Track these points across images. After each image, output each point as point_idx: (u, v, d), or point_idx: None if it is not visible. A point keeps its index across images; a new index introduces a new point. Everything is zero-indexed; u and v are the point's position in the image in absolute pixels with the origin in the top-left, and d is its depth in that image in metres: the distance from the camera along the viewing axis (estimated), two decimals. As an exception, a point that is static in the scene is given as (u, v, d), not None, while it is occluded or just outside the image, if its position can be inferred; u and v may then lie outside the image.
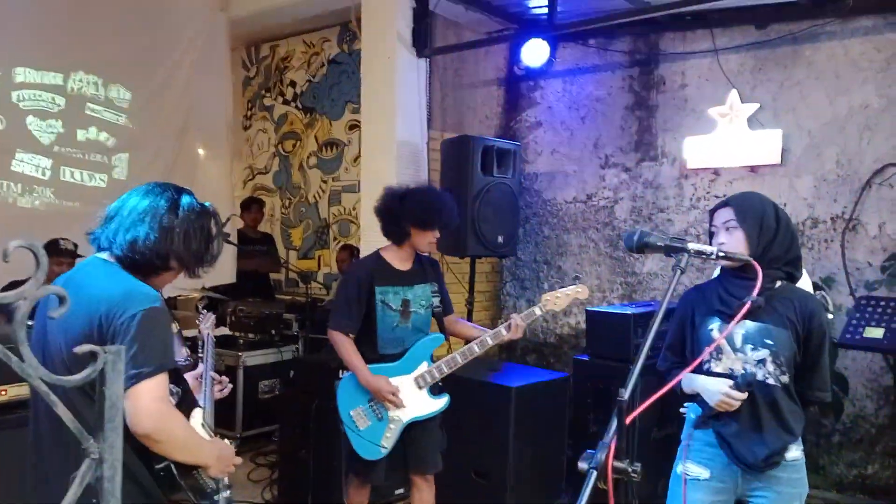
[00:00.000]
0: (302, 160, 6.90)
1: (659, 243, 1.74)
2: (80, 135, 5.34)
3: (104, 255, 1.85)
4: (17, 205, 5.03)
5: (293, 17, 6.21)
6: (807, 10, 4.32)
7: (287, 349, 5.29)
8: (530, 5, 5.19)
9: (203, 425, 2.02)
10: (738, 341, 2.21)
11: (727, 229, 2.20)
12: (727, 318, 2.16)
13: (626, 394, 1.25)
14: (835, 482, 4.33)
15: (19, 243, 0.59)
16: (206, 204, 1.95)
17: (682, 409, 2.61)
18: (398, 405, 3.08)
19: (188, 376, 2.25)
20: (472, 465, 3.94)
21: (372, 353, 3.13)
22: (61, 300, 0.63)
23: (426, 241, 3.17)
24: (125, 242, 1.78)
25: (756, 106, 4.55)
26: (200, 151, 6.17)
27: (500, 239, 4.65)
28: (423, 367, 3.17)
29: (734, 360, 2.22)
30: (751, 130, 4.57)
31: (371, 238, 5.09)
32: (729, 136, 4.64)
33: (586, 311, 4.36)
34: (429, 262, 3.37)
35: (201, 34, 5.93)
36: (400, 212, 3.12)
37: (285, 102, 7.04)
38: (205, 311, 2.88)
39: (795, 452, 2.24)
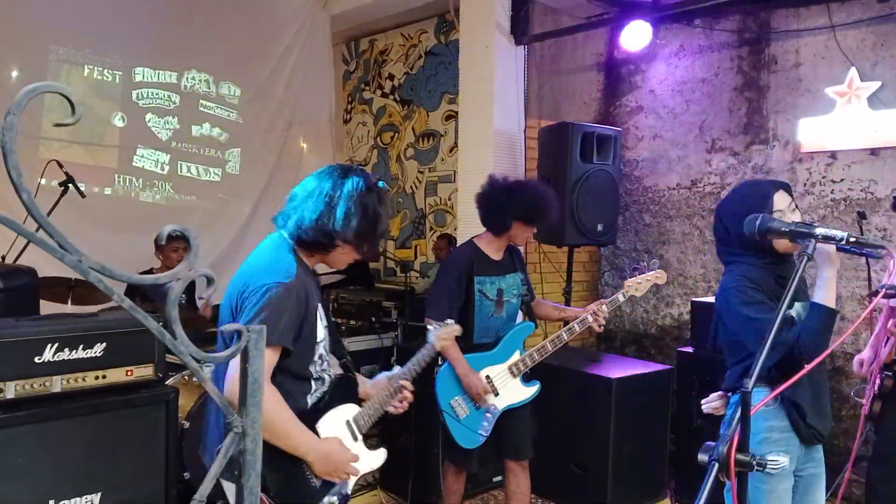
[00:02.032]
0: (399, 151, 7.01)
1: (783, 228, 1.66)
2: (195, 130, 5.63)
3: (283, 233, 1.99)
4: (138, 199, 5.37)
5: (392, 10, 6.31)
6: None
7: (387, 336, 5.41)
8: (631, -13, 5.05)
9: (349, 422, 2.05)
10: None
11: (794, 211, 2.19)
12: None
13: (750, 384, 1.20)
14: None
15: (174, 227, 0.63)
16: (380, 183, 2.00)
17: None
18: (482, 404, 3.11)
19: (382, 376, 2.34)
20: (571, 455, 3.91)
21: (466, 343, 3.15)
22: (209, 281, 0.67)
23: (525, 236, 3.20)
24: (293, 223, 1.91)
25: (877, 84, 4.26)
26: (304, 145, 6.38)
27: (599, 227, 4.57)
28: (516, 355, 3.21)
29: None
30: (872, 110, 4.28)
31: (467, 228, 5.13)
32: (847, 116, 4.37)
33: (691, 302, 4.22)
34: (516, 252, 3.39)
35: (304, 31, 6.13)
36: (506, 205, 3.11)
37: (384, 95, 7.17)
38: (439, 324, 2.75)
39: None
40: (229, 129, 5.77)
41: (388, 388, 2.27)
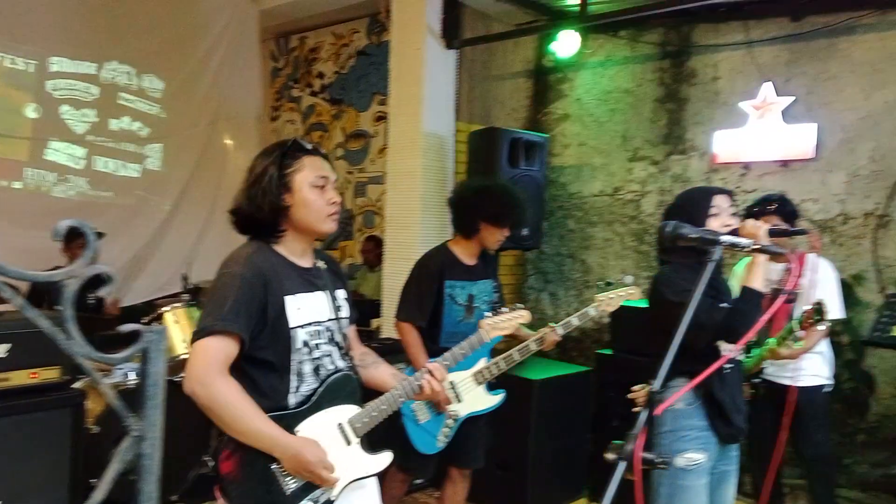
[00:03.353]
0: (328, 151, 6.94)
1: (692, 235, 1.73)
2: (114, 124, 5.43)
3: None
4: (51, 194, 5.14)
5: (322, 8, 6.24)
6: (844, 2, 4.23)
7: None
8: (560, -3, 5.16)
9: (341, 425, 1.91)
10: None
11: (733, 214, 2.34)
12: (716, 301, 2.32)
13: (657, 385, 1.25)
14: (859, 482, 4.27)
15: (71, 222, 0.60)
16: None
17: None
18: (443, 412, 3.06)
19: (385, 369, 2.16)
20: (494, 456, 3.96)
21: (433, 346, 3.10)
22: (108, 279, 0.64)
23: (495, 238, 3.13)
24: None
25: (790, 99, 4.48)
26: (229, 142, 6.24)
27: (524, 231, 4.64)
28: (482, 363, 3.14)
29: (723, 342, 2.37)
30: (785, 124, 4.50)
31: (396, 230, 5.13)
32: (761, 129, 4.58)
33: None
34: (490, 259, 3.33)
35: (232, 24, 6.00)
36: (474, 206, 3.10)
37: (313, 94, 7.08)
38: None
39: None
40: (151, 124, 5.58)
41: (408, 381, 2.10)
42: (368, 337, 4.57)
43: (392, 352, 3.26)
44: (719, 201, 2.34)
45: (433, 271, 3.13)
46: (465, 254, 3.19)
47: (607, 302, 3.13)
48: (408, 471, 3.23)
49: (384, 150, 6.04)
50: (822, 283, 3.13)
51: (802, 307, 2.79)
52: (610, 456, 1.22)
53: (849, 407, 4.21)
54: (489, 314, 2.52)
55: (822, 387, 3.30)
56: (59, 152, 5.15)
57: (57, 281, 0.59)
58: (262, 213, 1.87)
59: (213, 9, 5.89)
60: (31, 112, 5.04)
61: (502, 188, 3.21)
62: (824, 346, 3.30)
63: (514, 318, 2.65)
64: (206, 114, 5.93)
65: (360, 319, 2.77)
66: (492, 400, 3.21)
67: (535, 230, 4.78)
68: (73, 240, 4.30)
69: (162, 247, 5.23)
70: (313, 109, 7.08)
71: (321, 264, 2.07)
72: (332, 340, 1.96)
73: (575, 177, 5.65)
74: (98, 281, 0.63)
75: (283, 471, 1.79)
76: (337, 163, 6.85)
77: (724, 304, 2.28)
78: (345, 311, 2.05)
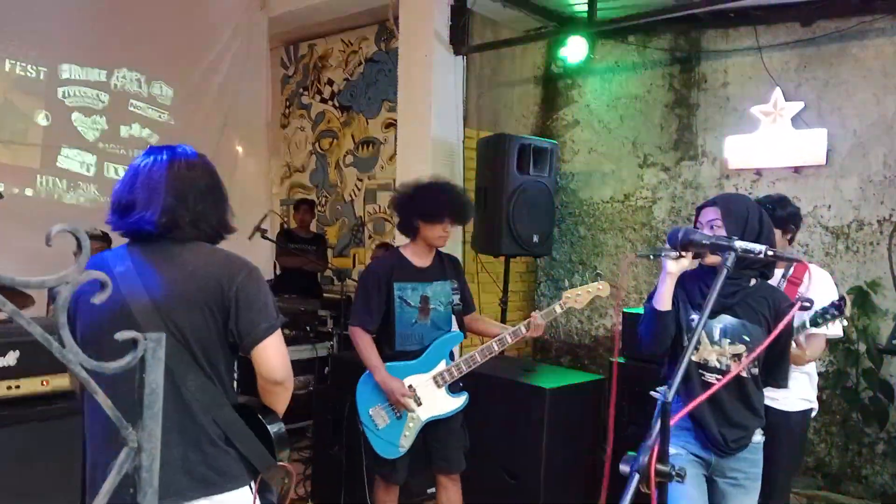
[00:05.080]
0: (338, 158, 6.94)
1: (704, 241, 1.70)
2: (124, 131, 5.45)
3: None
4: (62, 201, 5.16)
5: (332, 15, 6.25)
6: (855, 7, 4.20)
7: (322, 346, 5.32)
8: (570, 2, 5.14)
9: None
10: (717, 334, 2.30)
11: (711, 228, 2.26)
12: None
13: (669, 395, 1.22)
14: (879, 492, 4.20)
15: (62, 227, 0.59)
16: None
17: (653, 393, 2.58)
18: (408, 408, 3.06)
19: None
20: (504, 465, 3.92)
21: (390, 350, 3.11)
22: (102, 285, 0.62)
23: (435, 234, 3.11)
24: None
25: (801, 105, 4.44)
26: (239, 149, 6.25)
27: (535, 238, 4.62)
28: (442, 365, 3.13)
29: (710, 352, 2.32)
30: (795, 130, 4.46)
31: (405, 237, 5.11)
32: (772, 135, 4.54)
33: (623, 312, 4.29)
34: (449, 260, 3.33)
35: (241, 32, 6.01)
36: (409, 206, 3.13)
37: (323, 101, 7.09)
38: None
39: (758, 436, 2.38)
40: (160, 131, 5.59)
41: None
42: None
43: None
44: (703, 215, 2.33)
45: (380, 275, 3.13)
46: (416, 256, 3.19)
47: (574, 299, 3.14)
48: (383, 477, 3.21)
49: (394, 157, 6.03)
50: (819, 295, 2.80)
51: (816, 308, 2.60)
52: (624, 468, 1.19)
53: (867, 417, 4.14)
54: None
55: (809, 411, 3.05)
56: (71, 159, 5.18)
57: (51, 287, 0.57)
58: None
59: (222, 16, 5.91)
60: (42, 119, 5.06)
61: (433, 185, 3.19)
62: (812, 366, 3.05)
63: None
64: (216, 121, 5.94)
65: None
66: (454, 403, 3.17)
67: (546, 237, 4.75)
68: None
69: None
70: (323, 116, 7.09)
71: None
72: None
73: (585, 183, 5.62)
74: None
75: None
76: (347, 170, 6.85)
77: (694, 316, 2.31)
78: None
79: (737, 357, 2.27)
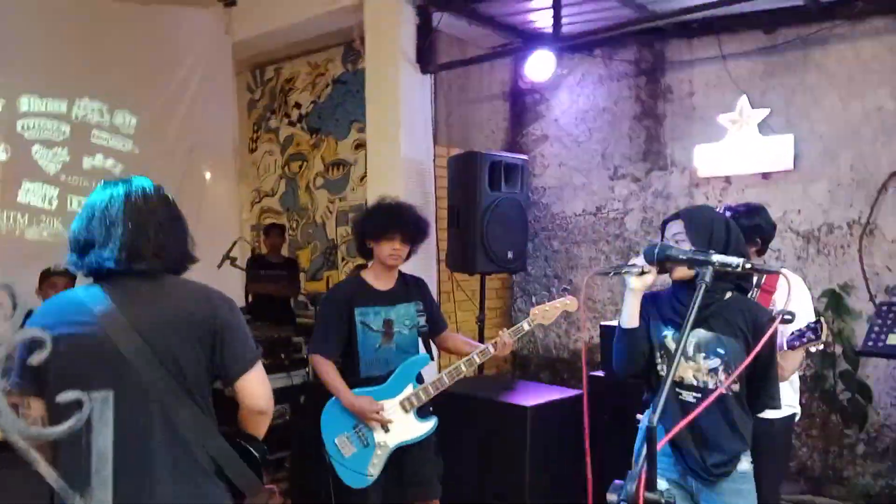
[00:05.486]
0: (308, 181, 6.87)
1: (681, 256, 1.67)
2: (87, 162, 5.33)
3: None
4: (24, 237, 5.02)
5: (297, 38, 6.20)
6: (815, 14, 4.26)
7: (297, 374, 5.20)
8: (533, 18, 5.16)
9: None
10: (691, 350, 2.22)
11: (676, 242, 2.21)
12: (679, 326, 2.22)
13: (654, 419, 1.18)
14: (861, 493, 4.21)
15: (-9, 285, 0.53)
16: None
17: (637, 417, 2.53)
18: (383, 423, 2.98)
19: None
20: (489, 487, 3.86)
21: (355, 377, 3.03)
22: (40, 344, 0.57)
23: (385, 253, 3.04)
24: None
25: (767, 111, 4.49)
26: (207, 175, 6.15)
27: (509, 254, 4.59)
28: (409, 389, 3.06)
29: (685, 368, 2.24)
30: (762, 136, 4.50)
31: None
32: (740, 142, 4.58)
33: (600, 326, 4.28)
34: (413, 281, 3.26)
35: (205, 57, 5.93)
36: (358, 230, 3.13)
37: (290, 124, 7.02)
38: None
39: (745, 464, 2.24)
40: (124, 160, 5.48)
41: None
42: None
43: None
44: (668, 229, 2.30)
45: (339, 301, 3.08)
46: (377, 279, 3.13)
47: (542, 315, 3.12)
48: None
49: (365, 177, 5.98)
50: (795, 301, 2.82)
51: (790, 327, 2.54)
52: (612, 497, 1.15)
53: (846, 418, 4.16)
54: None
55: (793, 416, 3.00)
56: (32, 193, 5.05)
57: (-21, 351, 0.52)
58: None
59: (185, 41, 5.83)
60: (0, 153, 4.94)
61: (380, 204, 3.17)
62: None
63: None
64: (182, 147, 5.83)
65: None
66: (422, 427, 3.09)
67: (520, 252, 4.73)
68: (46, 279, 4.20)
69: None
70: (292, 139, 7.02)
71: None
72: None
73: (557, 197, 5.62)
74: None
75: None
76: (318, 192, 6.78)
77: (666, 332, 2.27)
78: None
79: (713, 372, 2.19)
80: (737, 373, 1.67)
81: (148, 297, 1.76)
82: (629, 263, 2.15)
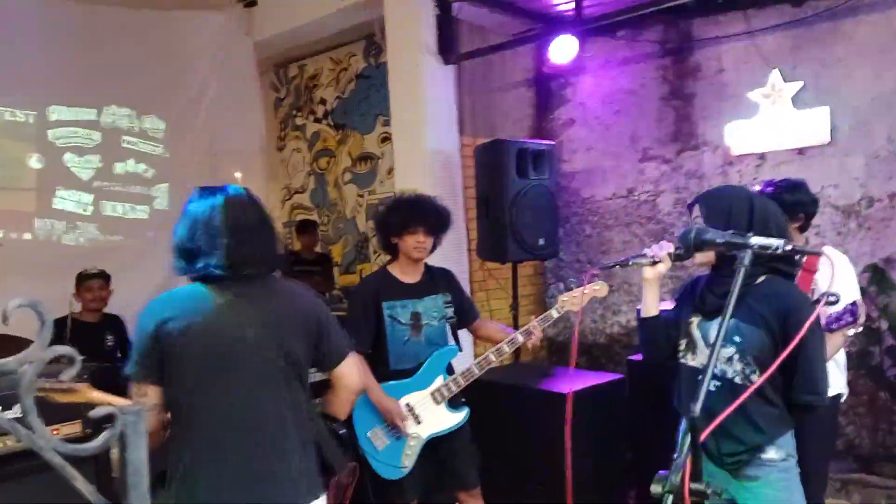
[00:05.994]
0: (337, 176, 6.90)
1: (718, 240, 1.62)
2: (119, 168, 5.41)
3: None
4: (61, 242, 5.12)
5: (318, 35, 6.20)
6: (845, -18, 4.12)
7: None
8: (555, 2, 5.09)
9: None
10: (712, 337, 2.14)
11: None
12: (703, 314, 2.19)
13: (696, 409, 1.15)
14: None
15: (19, 302, 0.53)
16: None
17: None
18: (404, 430, 2.99)
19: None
20: (531, 474, 3.85)
21: (385, 370, 3.04)
22: (71, 361, 0.57)
23: (410, 246, 3.04)
24: None
25: (800, 84, 4.37)
26: (236, 174, 6.21)
27: (540, 241, 4.55)
28: (439, 380, 3.07)
29: (706, 356, 2.10)
30: (796, 110, 4.39)
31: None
32: (773, 118, 4.47)
33: (638, 309, 4.22)
34: (440, 273, 3.26)
35: (227, 58, 5.97)
36: (382, 226, 3.12)
37: (317, 120, 7.05)
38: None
39: (773, 454, 2.11)
40: (155, 164, 5.55)
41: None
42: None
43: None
44: (693, 213, 2.25)
45: (366, 295, 3.08)
46: (404, 273, 3.13)
47: (571, 301, 3.09)
48: (391, 499, 3.11)
49: (392, 170, 5.98)
50: (839, 281, 2.75)
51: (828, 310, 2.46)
52: (656, 489, 1.12)
53: (894, 395, 4.06)
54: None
55: (839, 396, 2.93)
56: (67, 200, 5.14)
57: (10, 371, 0.52)
58: None
59: (205, 44, 5.86)
60: (34, 163, 5.03)
61: (401, 198, 3.17)
62: (840, 351, 2.91)
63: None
64: (208, 150, 5.89)
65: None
66: (455, 418, 3.10)
67: (552, 239, 4.68)
68: (83, 282, 4.28)
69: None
70: (319, 136, 7.05)
71: None
72: None
73: (586, 181, 5.56)
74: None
75: None
76: (346, 187, 6.81)
77: (692, 319, 2.24)
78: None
79: (729, 361, 2.11)
80: (772, 368, 1.56)
81: (258, 296, 1.97)
82: (637, 254, 2.14)
